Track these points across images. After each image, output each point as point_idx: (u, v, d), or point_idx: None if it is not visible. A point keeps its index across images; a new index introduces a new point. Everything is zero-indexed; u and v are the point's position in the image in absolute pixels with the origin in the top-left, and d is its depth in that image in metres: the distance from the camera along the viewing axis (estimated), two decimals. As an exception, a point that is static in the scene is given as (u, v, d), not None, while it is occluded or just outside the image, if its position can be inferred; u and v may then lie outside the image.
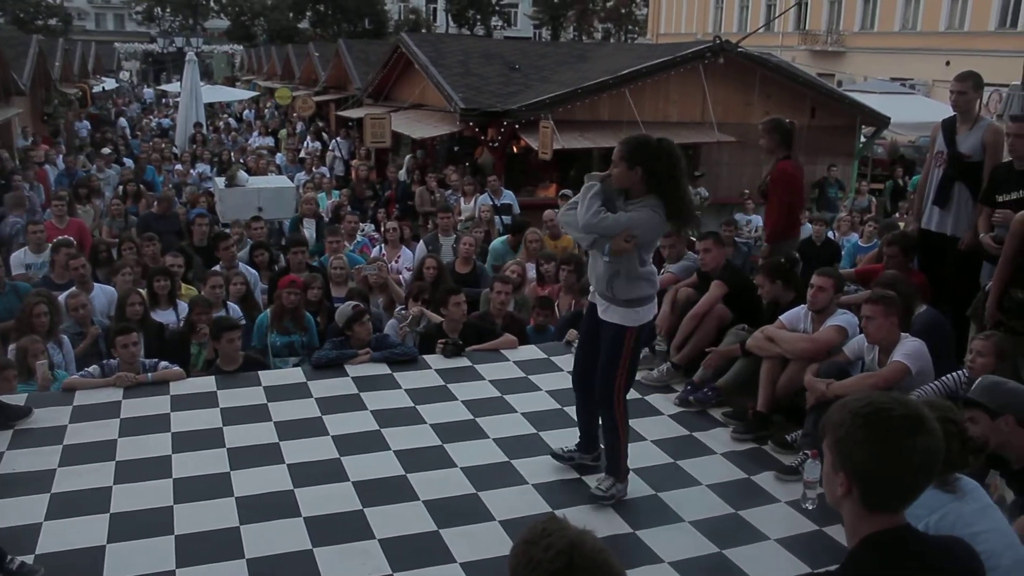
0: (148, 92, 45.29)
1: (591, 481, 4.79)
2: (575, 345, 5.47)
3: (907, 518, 2.09)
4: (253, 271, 8.85)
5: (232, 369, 6.46)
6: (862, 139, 17.96)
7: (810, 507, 4.56)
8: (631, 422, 4.87)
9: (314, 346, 7.44)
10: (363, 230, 12.16)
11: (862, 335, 5.26)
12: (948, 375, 4.86)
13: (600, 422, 4.83)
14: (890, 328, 5.01)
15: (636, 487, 4.86)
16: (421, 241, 10.44)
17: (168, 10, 62.76)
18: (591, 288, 4.77)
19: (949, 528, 2.86)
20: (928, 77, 29.25)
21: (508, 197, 13.14)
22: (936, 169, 6.47)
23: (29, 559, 4.00)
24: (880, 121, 17.53)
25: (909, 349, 4.91)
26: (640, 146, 4.43)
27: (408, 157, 18.16)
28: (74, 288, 7.64)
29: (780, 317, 5.79)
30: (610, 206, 4.45)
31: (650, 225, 4.43)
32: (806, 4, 38.07)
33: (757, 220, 13.55)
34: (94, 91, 34.08)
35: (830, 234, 11.36)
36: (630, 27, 62.32)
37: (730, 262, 6.90)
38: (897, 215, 13.46)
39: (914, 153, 20.23)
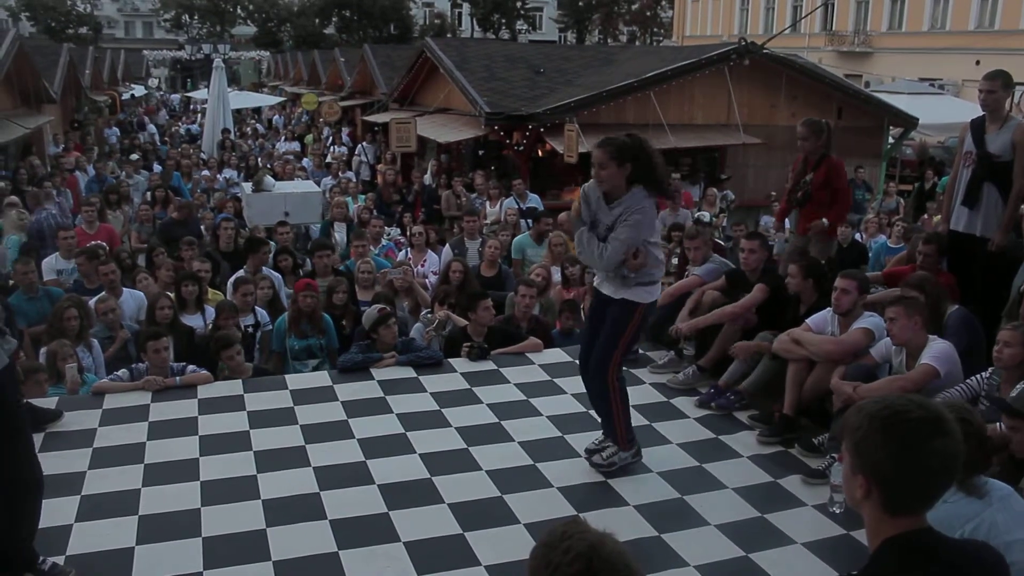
0: (175, 98, 45.72)
1: (626, 492, 4.80)
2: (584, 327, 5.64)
3: (942, 530, 2.08)
4: (277, 275, 8.90)
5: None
6: (890, 140, 17.81)
7: (837, 511, 4.52)
8: (662, 424, 4.88)
9: (333, 348, 7.50)
10: (389, 234, 12.22)
11: (888, 338, 5.22)
12: (972, 377, 4.81)
13: (591, 391, 5.04)
14: (915, 330, 4.97)
15: (661, 490, 4.85)
16: (447, 245, 10.46)
17: (196, 17, 63.37)
18: (596, 276, 5.02)
19: (983, 537, 2.82)
20: (958, 77, 28.99)
21: (533, 200, 13.15)
22: (965, 169, 6.41)
23: (60, 560, 4.05)
24: (908, 122, 17.37)
25: (937, 351, 4.87)
26: (623, 145, 4.68)
27: (432, 161, 18.22)
28: (104, 293, 7.73)
29: (807, 320, 5.75)
30: (597, 224, 4.72)
31: (646, 223, 4.70)
32: (833, 5, 37.82)
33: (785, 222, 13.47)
34: (123, 98, 34.44)
35: (857, 236, 11.28)
36: (655, 30, 62.17)
37: (773, 269, 6.85)
38: (925, 216, 13.30)
39: (943, 154, 20.02)
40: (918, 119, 17.30)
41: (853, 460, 2.04)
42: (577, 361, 6.66)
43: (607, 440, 5.02)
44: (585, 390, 5.19)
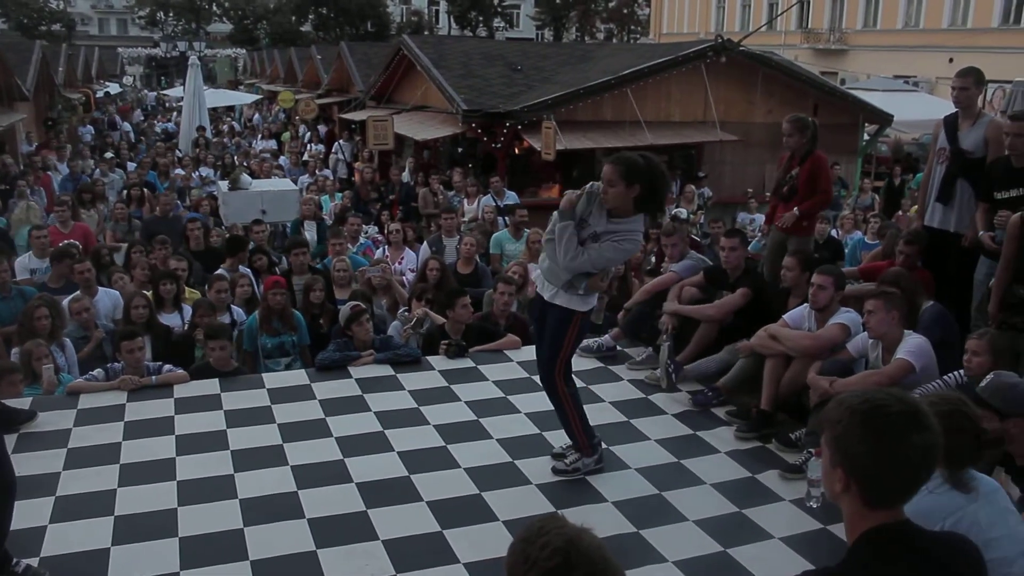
0: (151, 96, 45.34)
1: (604, 489, 4.81)
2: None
3: (923, 521, 2.09)
4: (249, 271, 8.85)
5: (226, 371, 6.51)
6: (865, 137, 17.94)
7: (815, 505, 4.55)
8: (640, 420, 4.87)
9: (305, 345, 7.47)
10: (367, 232, 12.17)
11: (864, 333, 5.26)
12: (949, 374, 4.86)
13: (550, 398, 4.99)
14: (892, 323, 5.02)
15: (640, 486, 4.87)
16: (425, 243, 10.44)
17: (171, 15, 62.87)
18: (536, 275, 4.96)
19: (964, 532, 2.82)
20: (931, 74, 29.21)
21: (511, 198, 13.15)
22: (939, 166, 6.46)
23: (34, 562, 4.02)
24: (883, 119, 17.50)
25: (913, 346, 4.92)
26: (636, 166, 4.49)
27: (409, 159, 18.18)
28: (78, 292, 7.66)
29: (784, 316, 5.78)
30: (584, 225, 4.61)
31: (632, 251, 4.77)
32: (808, 3, 38.04)
33: (759, 219, 13.55)
34: (98, 96, 34.13)
35: (833, 232, 11.35)
36: (632, 27, 62.34)
37: (755, 269, 6.87)
38: (900, 212, 13.40)
39: (918, 151, 20.18)
40: (893, 116, 17.43)
41: (832, 454, 2.06)
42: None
43: (571, 447, 5.03)
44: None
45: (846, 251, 10.40)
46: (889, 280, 5.71)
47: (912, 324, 5.34)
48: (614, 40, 58.58)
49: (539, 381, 5.09)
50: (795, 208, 6.88)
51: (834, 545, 4.21)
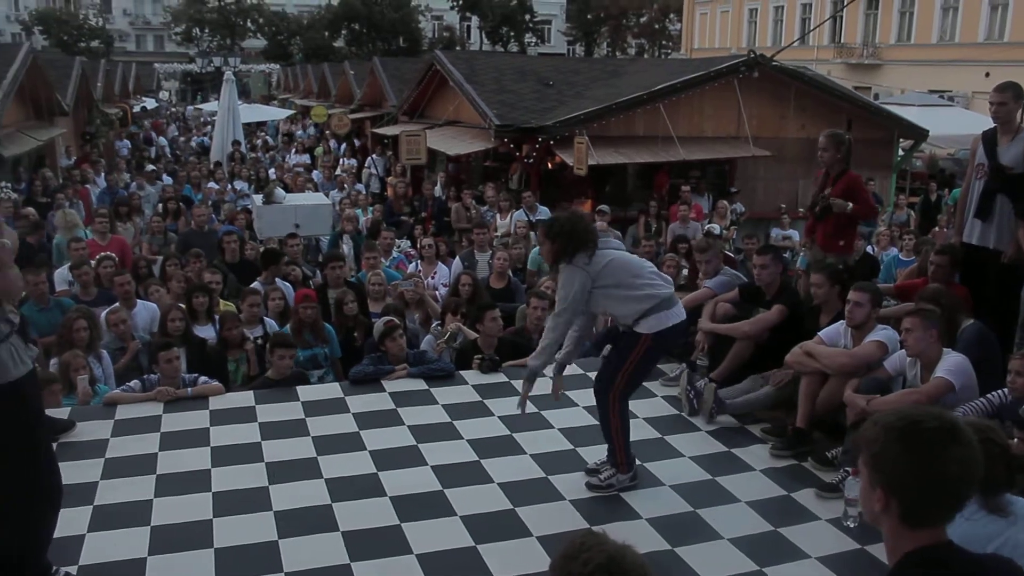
0: (189, 109, 45.88)
1: (639, 505, 4.80)
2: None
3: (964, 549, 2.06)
4: (288, 286, 8.93)
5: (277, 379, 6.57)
6: (900, 152, 17.77)
7: (852, 525, 4.50)
8: (674, 437, 4.87)
9: (336, 357, 7.50)
10: (399, 246, 12.23)
11: (902, 351, 5.20)
12: (993, 392, 4.78)
13: (599, 410, 5.04)
14: (930, 342, 4.95)
15: (674, 503, 4.84)
16: (457, 257, 10.47)
17: (206, 31, 63.70)
18: None
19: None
20: (967, 89, 28.93)
21: (543, 213, 13.15)
22: (977, 181, 6.38)
23: (72, 570, 4.06)
24: (918, 134, 17.32)
25: (952, 364, 4.85)
26: (553, 224, 4.97)
27: (440, 173, 18.25)
28: (116, 304, 7.76)
29: (819, 333, 5.73)
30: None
31: (571, 281, 4.83)
32: (841, 17, 37.82)
33: (794, 235, 13.46)
34: (134, 111, 34.61)
35: (868, 248, 11.24)
36: (664, 42, 62.32)
37: (791, 286, 6.80)
38: (937, 228, 13.25)
39: (953, 166, 19.97)
40: (928, 131, 17.25)
41: (870, 473, 2.03)
42: (588, 374, 6.70)
43: (607, 462, 5.04)
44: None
45: (881, 268, 10.29)
46: (928, 297, 5.64)
47: (951, 342, 5.26)
48: (645, 55, 58.58)
49: (593, 394, 5.12)
50: (849, 205, 6.76)
51: (872, 566, 4.16)
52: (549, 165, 16.84)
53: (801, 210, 14.11)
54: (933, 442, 1.94)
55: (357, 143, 25.69)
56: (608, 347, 5.58)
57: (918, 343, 4.95)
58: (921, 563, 1.99)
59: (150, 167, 19.95)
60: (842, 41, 38.47)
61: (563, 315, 4.88)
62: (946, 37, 33.43)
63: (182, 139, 32.78)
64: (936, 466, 1.93)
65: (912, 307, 5.45)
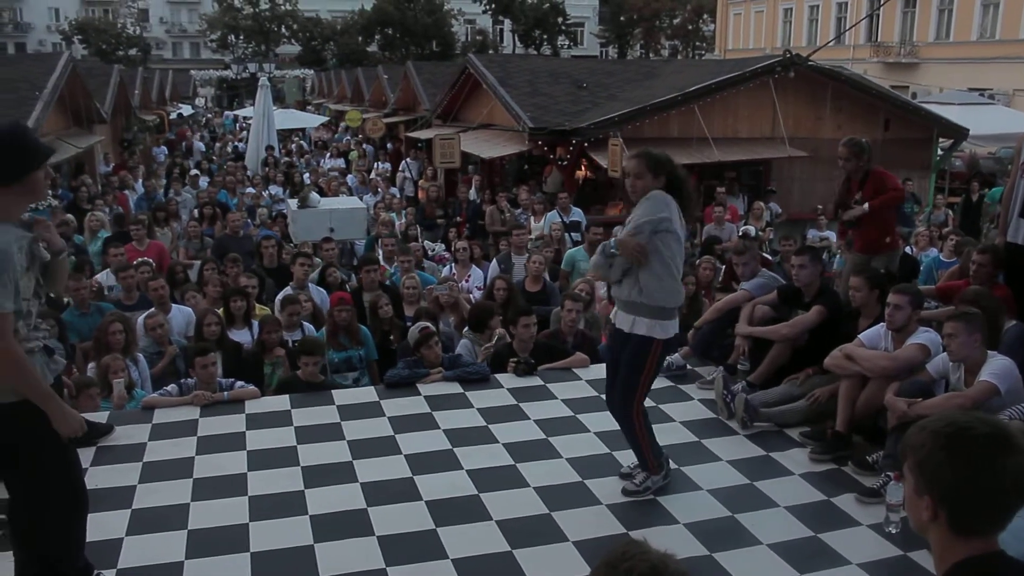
0: (228, 115, 46.36)
1: (676, 510, 4.73)
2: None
3: (1015, 545, 1.99)
4: (322, 290, 8.97)
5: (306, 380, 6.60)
6: (939, 152, 17.53)
7: (893, 531, 4.42)
8: (712, 441, 4.80)
9: (372, 359, 7.51)
10: (433, 250, 12.27)
11: (945, 353, 5.10)
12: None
13: (619, 425, 4.94)
14: (974, 346, 4.85)
15: (711, 508, 4.78)
16: (494, 260, 10.45)
17: (241, 37, 64.37)
18: (614, 312, 4.89)
19: None
20: (1008, 87, 28.54)
21: (577, 215, 13.12)
22: (1022, 180, 6.26)
23: (111, 573, 4.09)
24: (958, 133, 17.07)
25: (997, 368, 4.75)
26: (659, 158, 4.72)
27: (476, 176, 18.28)
28: (152, 309, 7.83)
29: (859, 335, 5.64)
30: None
31: (654, 206, 4.54)
32: (877, 16, 37.42)
33: (831, 235, 13.31)
34: (171, 117, 35.04)
35: (908, 249, 11.08)
36: (697, 43, 62.03)
37: (830, 287, 6.72)
38: (986, 228, 13.01)
39: (994, 165, 19.67)
40: (968, 130, 16.99)
41: (917, 481, 1.97)
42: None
43: (638, 467, 4.97)
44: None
45: (921, 269, 10.14)
46: (969, 299, 5.53)
47: (994, 345, 5.16)
48: (679, 57, 58.32)
49: (608, 407, 5.06)
50: (865, 205, 6.74)
51: (914, 573, 4.09)
52: (583, 167, 16.80)
53: (820, 216, 13.96)
54: (983, 449, 1.88)
55: (389, 147, 25.77)
56: (607, 359, 5.34)
57: (962, 349, 4.85)
58: (973, 573, 1.94)
59: (194, 171, 20.20)
60: (879, 40, 38.05)
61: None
62: (986, 34, 32.96)
63: (218, 145, 33.10)
64: (987, 475, 1.88)
65: (953, 310, 5.34)
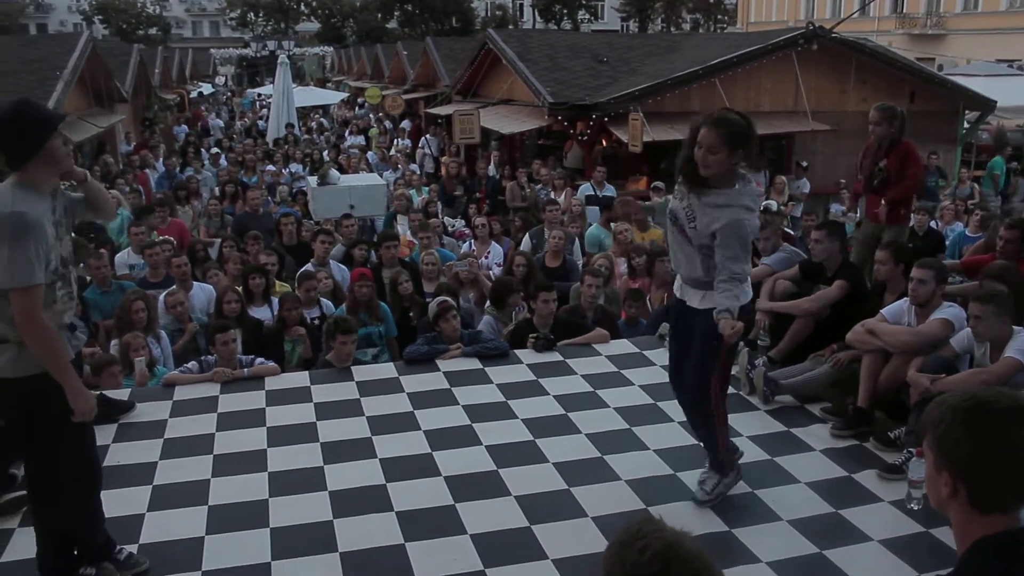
0: (251, 92, 46.39)
1: (694, 485, 4.62)
2: (668, 339, 5.07)
3: None
4: (344, 268, 8.97)
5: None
6: (965, 124, 17.27)
7: (915, 507, 4.38)
8: (732, 417, 4.73)
9: (392, 336, 7.51)
10: (453, 226, 12.24)
11: (970, 328, 5.03)
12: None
13: (689, 413, 4.61)
14: (1002, 327, 4.78)
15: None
16: (527, 235, 10.40)
17: (261, 15, 64.33)
18: (679, 281, 4.46)
19: None
20: (1038, 57, 28.02)
21: (609, 190, 13.07)
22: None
23: (134, 548, 4.11)
24: (985, 105, 16.80)
25: (1023, 344, 4.67)
26: (741, 130, 4.01)
27: (495, 153, 18.23)
28: (174, 287, 7.86)
29: (882, 311, 5.57)
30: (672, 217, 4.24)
31: (754, 226, 4.15)
32: (903, -14, 36.88)
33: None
34: (191, 96, 35.09)
35: (933, 224, 10.95)
36: (719, 17, 61.37)
37: (850, 260, 6.65)
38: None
39: (1021, 138, 19.34)
40: (996, 102, 16.71)
41: (936, 457, 1.93)
42: (644, 352, 6.63)
43: (709, 470, 4.56)
44: (682, 406, 4.72)
45: (947, 243, 10.01)
46: (993, 274, 5.46)
47: (1019, 321, 5.08)
48: (700, 30, 57.73)
49: (674, 391, 4.65)
50: (882, 200, 6.71)
51: (937, 550, 4.05)
52: (603, 142, 16.69)
53: (842, 188, 13.81)
54: (1003, 423, 1.84)
55: (409, 124, 25.72)
56: (668, 336, 4.89)
57: (989, 331, 4.77)
58: (995, 550, 1.90)
59: (215, 150, 20.27)
60: (904, 11, 37.48)
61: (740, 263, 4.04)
62: (1016, 3, 32.39)
63: (238, 123, 33.14)
64: (1008, 449, 1.83)
65: (976, 288, 5.26)
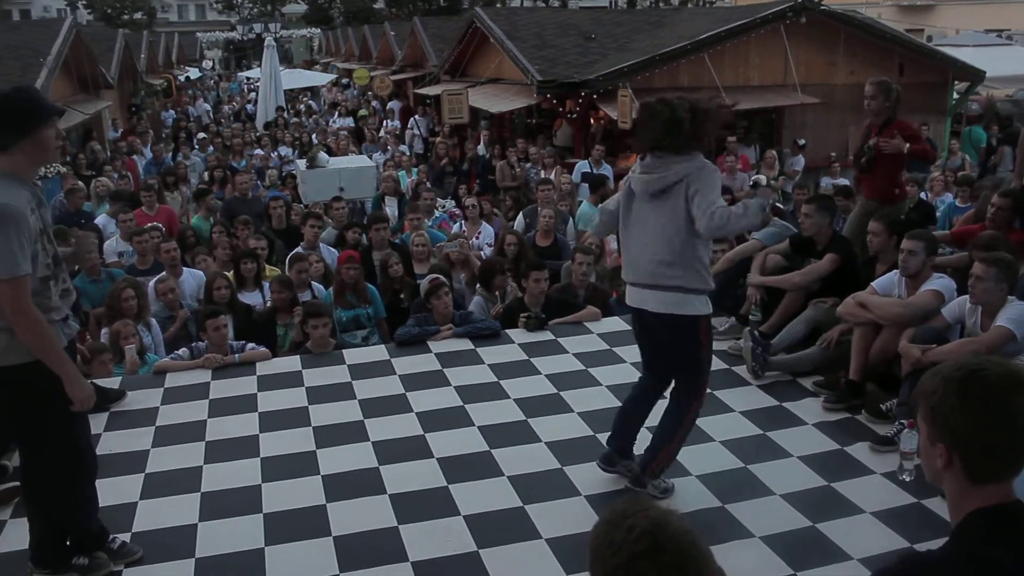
0: (240, 76, 46.06)
1: (687, 461, 4.61)
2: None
3: None
4: (333, 251, 8.93)
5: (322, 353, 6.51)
6: (955, 95, 17.23)
7: (907, 479, 4.39)
8: (725, 392, 4.78)
9: (380, 317, 7.50)
10: (443, 206, 12.18)
11: (961, 297, 5.03)
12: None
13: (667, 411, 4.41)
14: (998, 293, 4.78)
15: (724, 459, 4.77)
16: (521, 214, 10.37)
17: (247, -3, 63.83)
18: (633, 290, 4.32)
19: None
20: (1026, 26, 27.96)
21: (605, 169, 13.03)
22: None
23: (127, 537, 4.11)
24: (974, 75, 16.76)
25: (1015, 314, 4.67)
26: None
27: (484, 132, 18.16)
28: (163, 273, 7.83)
29: (872, 283, 5.57)
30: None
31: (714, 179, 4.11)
32: (892, -43, 36.70)
33: (845, 183, 13.13)
34: (179, 80, 34.87)
35: (922, 195, 10.94)
36: (707, -10, 61.00)
37: (840, 234, 6.63)
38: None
39: (1012, 108, 19.31)
40: (985, 72, 16.66)
41: (930, 428, 1.92)
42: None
43: (639, 470, 4.37)
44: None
45: (938, 215, 10.01)
46: (983, 244, 5.45)
47: (1009, 291, 5.08)
48: (689, 5, 57.44)
49: (662, 387, 4.51)
50: (906, 145, 6.50)
51: (928, 520, 4.06)
52: (592, 120, 16.63)
53: (850, 157, 13.75)
54: (996, 391, 1.82)
55: (398, 105, 25.61)
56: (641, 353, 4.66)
57: (986, 294, 4.77)
58: (989, 521, 1.88)
59: (201, 135, 20.13)
60: (893, -18, 37.34)
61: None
62: (1004, -27, 32.28)
63: (226, 108, 32.93)
64: (1000, 417, 1.82)
65: (966, 256, 5.25)
